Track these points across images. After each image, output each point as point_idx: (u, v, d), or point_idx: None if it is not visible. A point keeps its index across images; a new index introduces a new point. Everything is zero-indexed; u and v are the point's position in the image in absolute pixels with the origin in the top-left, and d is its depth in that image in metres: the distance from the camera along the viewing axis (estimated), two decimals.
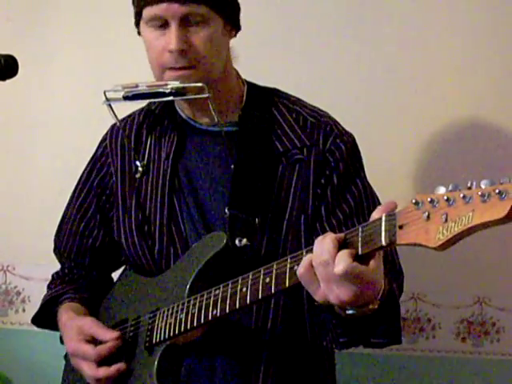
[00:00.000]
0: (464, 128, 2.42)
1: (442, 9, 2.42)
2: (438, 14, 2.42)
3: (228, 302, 1.55)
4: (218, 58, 1.74)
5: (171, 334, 1.65)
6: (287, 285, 1.43)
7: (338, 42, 2.46)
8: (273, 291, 1.46)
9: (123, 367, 1.71)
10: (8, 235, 2.58)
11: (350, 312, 1.42)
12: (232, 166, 1.75)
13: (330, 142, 1.76)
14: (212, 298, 1.59)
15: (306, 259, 1.37)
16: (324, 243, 1.35)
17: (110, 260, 1.96)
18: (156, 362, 1.66)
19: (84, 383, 1.79)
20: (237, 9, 1.79)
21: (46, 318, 1.94)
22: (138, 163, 1.84)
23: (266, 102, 1.82)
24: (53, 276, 2.00)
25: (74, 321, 1.80)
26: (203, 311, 1.60)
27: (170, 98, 1.71)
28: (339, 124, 1.81)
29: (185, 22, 1.68)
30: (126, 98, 1.75)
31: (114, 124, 1.92)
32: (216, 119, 1.72)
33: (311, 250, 1.38)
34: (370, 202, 1.76)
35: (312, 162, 1.75)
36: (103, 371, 1.71)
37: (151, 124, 1.88)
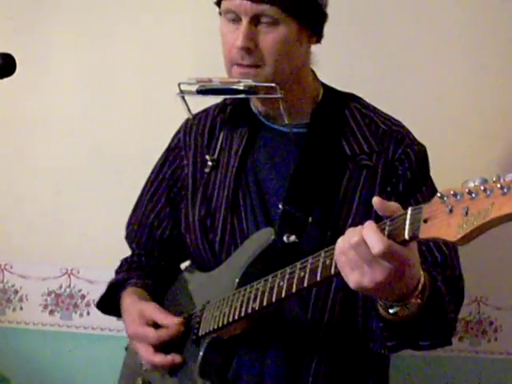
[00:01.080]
0: (467, 127, 2.43)
1: (442, 7, 2.43)
2: (438, 13, 2.43)
3: (266, 295, 1.56)
4: (287, 60, 1.73)
5: (215, 326, 1.66)
6: (318, 279, 1.44)
7: (337, 40, 2.46)
8: (305, 285, 1.47)
9: (178, 360, 1.72)
10: (5, 234, 2.58)
11: (393, 310, 1.42)
12: (292, 167, 1.76)
13: (400, 150, 1.76)
14: (253, 292, 1.60)
15: (337, 247, 1.37)
16: (354, 229, 1.35)
17: (178, 252, 1.95)
18: (201, 355, 1.67)
19: (138, 374, 1.83)
20: (318, 16, 1.76)
21: (110, 303, 1.95)
22: (207, 157, 1.85)
23: (339, 105, 1.82)
24: (121, 262, 2.02)
25: (136, 304, 1.81)
26: (244, 305, 1.61)
27: (242, 95, 1.72)
28: (411, 134, 1.81)
29: (256, 21, 1.69)
30: (199, 91, 1.75)
31: (189, 117, 1.91)
32: (285, 120, 1.73)
33: None
34: None
35: (379, 169, 1.74)
36: (159, 358, 1.73)
37: (225, 119, 1.88)
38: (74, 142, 2.52)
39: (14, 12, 2.57)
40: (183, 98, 1.78)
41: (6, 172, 2.59)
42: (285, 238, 1.70)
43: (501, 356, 2.45)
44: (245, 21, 1.69)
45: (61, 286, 2.54)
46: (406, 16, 2.44)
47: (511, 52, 2.42)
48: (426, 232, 1.24)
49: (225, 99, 1.90)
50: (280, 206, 1.73)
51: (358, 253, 1.33)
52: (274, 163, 1.80)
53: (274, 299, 1.55)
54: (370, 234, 1.31)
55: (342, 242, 1.36)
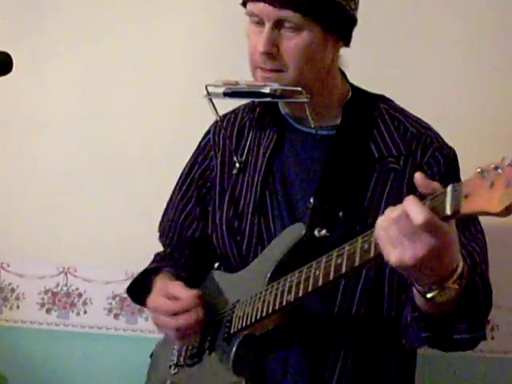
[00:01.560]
0: (466, 126, 2.43)
1: (442, 5, 2.43)
2: (438, 11, 2.43)
3: (301, 286, 1.56)
4: (310, 65, 1.71)
5: (248, 322, 1.66)
6: (357, 264, 1.43)
7: None
8: (343, 271, 1.46)
9: (201, 315, 1.71)
10: (3, 232, 2.58)
11: (431, 294, 1.39)
12: (318, 167, 1.75)
13: (428, 154, 1.75)
14: (287, 285, 1.60)
15: (377, 224, 1.36)
16: (393, 207, 1.35)
17: (207, 252, 1.94)
18: (233, 352, 1.67)
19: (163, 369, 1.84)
20: (344, 20, 1.74)
21: (140, 289, 1.93)
22: (235, 159, 1.85)
23: (368, 107, 1.81)
24: (155, 256, 2.02)
25: (163, 283, 1.81)
26: (278, 298, 1.61)
27: (268, 99, 1.71)
28: (441, 137, 1.79)
29: (279, 26, 1.68)
30: (225, 94, 1.74)
31: (221, 116, 1.91)
32: (312, 124, 1.73)
33: None
34: (466, 220, 1.72)
35: (407, 173, 1.73)
36: (182, 319, 1.71)
37: (253, 120, 1.88)
38: (71, 141, 2.52)
39: (11, 12, 2.57)
40: (211, 100, 1.77)
41: (3, 171, 2.58)
42: (316, 232, 1.69)
43: (498, 355, 2.45)
44: (267, 25, 1.68)
45: (58, 285, 2.54)
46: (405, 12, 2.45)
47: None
48: (467, 207, 1.24)
49: (253, 101, 1.89)
50: (311, 201, 1.72)
51: (399, 227, 1.32)
52: (301, 165, 1.79)
53: (310, 289, 1.54)
54: (411, 206, 1.31)
55: (381, 220, 1.36)
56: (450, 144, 1.79)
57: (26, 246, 2.54)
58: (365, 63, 2.42)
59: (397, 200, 1.63)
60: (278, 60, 1.69)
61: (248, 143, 1.87)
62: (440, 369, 2.45)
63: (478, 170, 1.23)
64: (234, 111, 1.94)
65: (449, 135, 1.81)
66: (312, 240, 1.69)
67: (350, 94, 1.83)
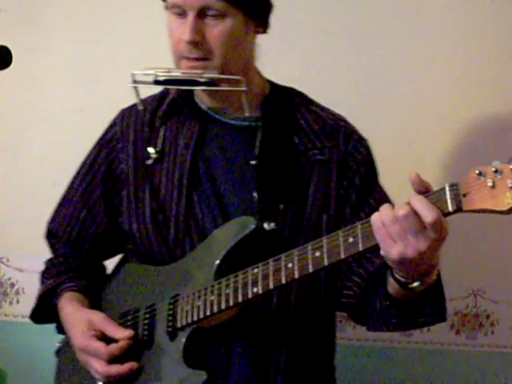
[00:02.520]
0: (465, 124, 2.43)
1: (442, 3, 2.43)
2: (437, 8, 2.43)
3: (272, 278, 1.57)
4: (235, 52, 1.74)
5: (200, 316, 1.66)
6: (343, 256, 1.49)
7: (335, 37, 2.46)
8: (326, 263, 1.51)
9: (135, 366, 1.71)
10: (2, 227, 2.58)
11: (415, 285, 1.49)
12: (253, 162, 1.76)
13: (350, 145, 1.81)
14: (250, 277, 1.60)
15: (376, 220, 1.43)
16: (389, 205, 1.42)
17: (109, 247, 1.94)
18: (183, 346, 1.66)
19: (85, 378, 1.78)
20: (264, 6, 1.78)
21: (43, 311, 1.90)
22: (150, 149, 1.83)
23: (286, 100, 1.84)
24: (47, 264, 1.97)
25: (82, 313, 1.79)
26: (241, 290, 1.61)
27: (203, 87, 1.72)
28: (356, 128, 1.85)
29: (202, 14, 1.69)
30: (156, 82, 1.74)
31: (125, 109, 1.92)
32: (247, 113, 1.74)
33: (366, 223, 1.46)
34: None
35: (333, 164, 1.79)
36: (116, 369, 1.71)
37: (167, 111, 1.86)
38: (70, 134, 2.52)
39: (8, 5, 2.57)
40: (136, 88, 1.77)
41: (2, 165, 2.58)
42: (266, 225, 1.71)
43: (497, 349, 2.46)
44: (191, 15, 1.69)
45: None
46: (404, 10, 2.45)
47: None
48: (469, 204, 1.36)
49: (164, 90, 1.88)
50: (255, 195, 1.74)
51: (405, 224, 1.39)
52: (225, 157, 1.80)
53: (283, 281, 1.56)
54: (422, 205, 1.38)
55: (380, 217, 1.42)
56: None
57: (25, 241, 2.54)
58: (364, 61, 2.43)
59: (325, 191, 1.76)
60: (203, 48, 1.70)
61: (162, 134, 1.85)
62: (439, 363, 2.46)
63: (477, 171, 1.35)
64: (141, 101, 1.87)
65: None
66: (262, 233, 1.70)
67: (268, 86, 1.86)
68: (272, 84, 1.87)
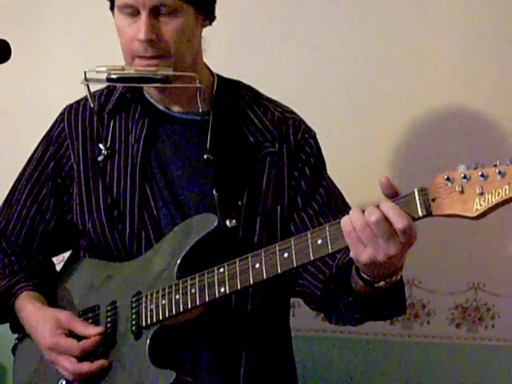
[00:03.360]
0: (455, 119, 2.42)
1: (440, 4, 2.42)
2: (435, 9, 2.42)
3: (239, 278, 1.58)
4: (189, 48, 1.75)
5: (166, 315, 1.65)
6: (312, 258, 1.51)
7: (329, 36, 2.46)
8: (295, 265, 1.53)
9: (105, 364, 1.70)
10: None
11: (380, 284, 1.51)
12: (205, 156, 1.76)
13: (299, 136, 1.83)
14: (217, 277, 1.60)
15: (346, 224, 1.45)
16: (368, 210, 1.43)
17: (59, 244, 1.93)
18: (147, 344, 1.65)
19: (44, 375, 1.78)
20: None
21: (0, 311, 1.88)
22: (101, 146, 1.82)
23: (234, 94, 1.85)
24: None
25: (47, 312, 1.78)
26: (207, 290, 1.61)
27: (158, 84, 1.72)
28: (303, 119, 1.88)
29: (155, 12, 1.69)
30: (109, 80, 1.74)
31: (71, 105, 1.91)
32: (201, 109, 1.75)
33: (334, 225, 1.47)
34: (337, 194, 1.85)
35: (284, 156, 1.80)
36: (87, 366, 1.70)
37: (115, 107, 1.86)
38: None
39: (8, 0, 2.57)
40: (87, 86, 1.77)
41: (1, 161, 2.58)
42: (228, 223, 1.71)
43: (498, 343, 2.46)
44: (144, 13, 1.69)
45: None
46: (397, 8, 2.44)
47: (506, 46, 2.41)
48: (438, 209, 1.38)
49: (110, 86, 1.87)
50: (214, 192, 1.74)
51: (376, 230, 1.41)
52: (177, 151, 1.80)
53: (251, 281, 1.57)
54: (394, 211, 1.41)
55: (351, 221, 1.44)
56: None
57: None
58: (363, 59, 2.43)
59: (278, 182, 1.78)
60: (158, 46, 1.70)
61: (111, 129, 1.84)
62: (440, 357, 2.46)
63: (445, 176, 1.37)
64: (86, 98, 1.88)
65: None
66: (224, 231, 1.70)
67: (216, 79, 1.86)
68: (219, 77, 1.87)
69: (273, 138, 1.81)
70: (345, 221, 1.45)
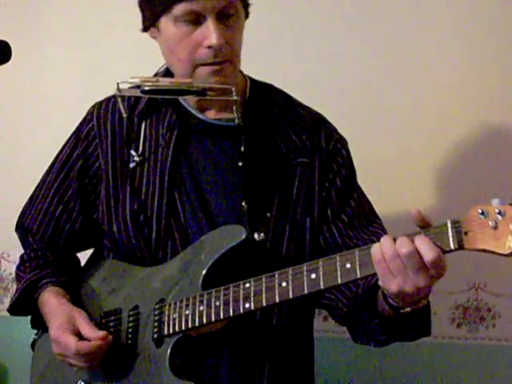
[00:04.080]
0: (467, 128, 2.42)
1: (441, 5, 2.42)
2: (435, 9, 2.42)
3: (265, 295, 1.56)
4: (240, 51, 1.74)
5: (188, 325, 1.63)
6: (340, 282, 1.49)
7: (332, 37, 2.46)
8: (322, 287, 1.51)
9: (105, 335, 1.69)
10: (2, 222, 2.57)
11: (406, 310, 1.51)
12: (240, 163, 1.74)
13: (331, 146, 1.80)
14: (242, 292, 1.58)
15: (377, 252, 1.44)
16: (400, 241, 1.42)
17: (84, 242, 1.92)
18: (168, 354, 1.64)
19: (62, 371, 1.78)
20: None
21: (22, 303, 1.88)
22: (133, 152, 1.80)
23: (267, 100, 1.81)
24: (23, 258, 1.94)
25: (66, 308, 1.77)
26: (232, 304, 1.59)
27: (193, 96, 1.70)
28: (335, 127, 1.85)
29: (220, 16, 1.66)
30: (144, 91, 1.70)
31: (100, 103, 1.88)
32: (237, 121, 1.72)
33: (364, 250, 1.47)
34: (367, 205, 1.83)
35: (316, 166, 1.77)
36: (87, 345, 1.68)
37: (146, 109, 1.82)
38: (70, 128, 2.51)
39: (8, 0, 2.57)
40: (120, 97, 1.75)
41: (1, 159, 2.58)
42: (256, 236, 1.70)
43: (499, 343, 2.46)
44: (212, 18, 1.65)
45: None
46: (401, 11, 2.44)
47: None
48: (470, 243, 1.38)
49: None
50: (244, 204, 1.71)
51: (407, 261, 1.40)
52: (208, 157, 1.77)
53: (277, 299, 1.55)
54: (425, 245, 1.40)
55: (381, 250, 1.43)
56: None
57: None
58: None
59: (309, 193, 1.75)
60: (224, 52, 1.67)
61: (142, 133, 1.80)
62: (441, 356, 2.46)
63: (479, 210, 1.37)
64: (113, 97, 1.85)
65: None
66: (252, 244, 1.69)
67: (249, 83, 1.82)
68: (251, 81, 1.84)
69: (304, 147, 1.78)
70: (375, 249, 1.44)
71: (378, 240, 1.70)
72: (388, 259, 1.42)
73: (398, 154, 2.43)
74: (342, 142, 1.82)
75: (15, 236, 2.57)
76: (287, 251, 1.72)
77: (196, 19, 1.66)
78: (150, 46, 2.49)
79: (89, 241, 1.91)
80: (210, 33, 1.65)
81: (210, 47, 1.66)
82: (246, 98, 1.80)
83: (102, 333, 1.70)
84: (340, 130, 1.86)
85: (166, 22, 1.70)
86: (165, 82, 1.70)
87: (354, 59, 2.44)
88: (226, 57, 1.68)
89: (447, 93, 2.42)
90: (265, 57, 2.40)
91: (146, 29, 1.77)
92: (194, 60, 1.69)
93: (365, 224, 1.77)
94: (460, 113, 2.41)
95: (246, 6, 1.73)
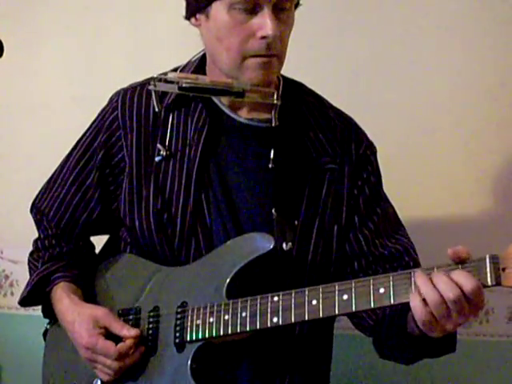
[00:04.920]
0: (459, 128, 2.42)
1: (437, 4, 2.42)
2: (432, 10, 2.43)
3: (293, 312, 1.53)
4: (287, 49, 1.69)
5: (212, 333, 1.61)
6: (372, 305, 1.46)
7: (329, 36, 2.46)
8: (353, 309, 1.49)
9: (142, 349, 1.67)
10: None
11: (434, 335, 1.47)
12: (270, 166, 1.70)
13: (361, 152, 1.77)
14: (270, 305, 1.55)
15: (417, 300, 1.41)
16: (445, 285, 1.39)
17: (99, 231, 1.89)
18: (190, 360, 1.61)
19: (82, 369, 1.75)
20: None
21: (34, 296, 1.84)
22: (160, 146, 1.74)
23: (298, 100, 1.77)
24: (37, 244, 1.89)
25: (84, 309, 1.73)
26: (259, 317, 1.56)
27: (232, 96, 1.65)
28: (365, 133, 1.82)
29: (276, 8, 1.61)
30: (180, 88, 1.64)
31: (126, 90, 1.81)
32: (274, 123, 1.67)
33: (397, 276, 1.44)
34: (392, 213, 1.80)
35: (345, 173, 1.74)
36: (129, 360, 1.66)
37: (175, 103, 1.76)
38: (64, 125, 2.51)
39: None
40: (155, 92, 1.69)
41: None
42: (284, 245, 1.66)
43: (492, 338, 2.46)
44: (269, 9, 1.60)
45: None
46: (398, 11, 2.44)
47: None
48: (507, 280, 1.37)
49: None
50: (273, 212, 1.67)
51: (453, 306, 1.38)
52: (237, 158, 1.72)
53: (306, 317, 1.52)
54: (466, 279, 1.38)
55: (420, 297, 1.40)
56: None
57: (19, 233, 2.53)
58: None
59: (337, 200, 1.71)
60: (275, 45, 1.62)
61: (169, 127, 1.75)
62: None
63: None
64: (142, 85, 1.79)
65: None
66: (280, 253, 1.65)
67: (281, 82, 1.77)
68: (284, 79, 1.78)
69: (334, 153, 1.74)
70: (414, 297, 1.41)
71: (403, 248, 1.73)
72: (433, 306, 1.39)
73: (398, 153, 2.42)
74: (371, 149, 1.79)
75: (8, 233, 2.59)
76: (313, 259, 1.69)
77: (252, 8, 1.61)
78: (144, 45, 2.51)
79: (105, 229, 1.87)
80: (266, 23, 1.59)
81: (263, 38, 1.60)
82: (279, 97, 1.71)
83: (135, 331, 1.67)
84: None
85: (218, 8, 1.63)
86: (204, 80, 1.65)
87: (354, 58, 2.44)
88: (277, 51, 1.63)
89: (448, 92, 2.42)
90: None
91: (191, 15, 1.70)
92: (245, 50, 1.63)
93: (390, 233, 1.75)
94: (460, 112, 2.41)
95: (297, 4, 1.68)
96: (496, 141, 2.40)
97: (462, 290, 1.37)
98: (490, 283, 1.38)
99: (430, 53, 2.42)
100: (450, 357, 2.44)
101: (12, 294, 2.59)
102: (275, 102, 1.64)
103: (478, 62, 2.40)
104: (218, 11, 1.63)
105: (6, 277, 2.62)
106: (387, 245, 1.74)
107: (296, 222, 1.68)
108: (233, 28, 1.62)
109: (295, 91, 1.78)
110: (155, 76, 1.66)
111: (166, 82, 1.66)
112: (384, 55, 2.43)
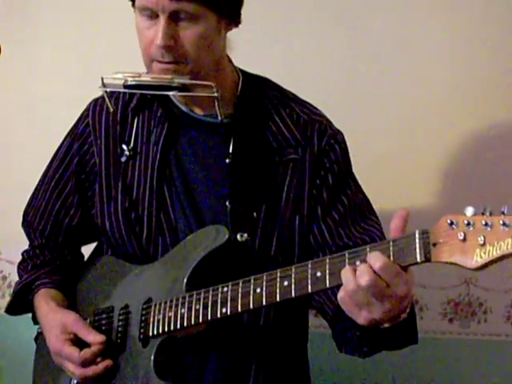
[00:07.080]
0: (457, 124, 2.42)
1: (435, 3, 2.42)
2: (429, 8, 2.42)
3: (240, 301, 1.54)
4: (209, 54, 1.69)
5: (171, 327, 1.63)
6: (310, 290, 1.45)
7: (327, 34, 2.46)
8: (293, 295, 1.48)
9: (110, 364, 1.70)
10: None
11: (386, 325, 1.44)
12: (227, 161, 1.73)
13: (324, 142, 1.75)
14: (220, 296, 1.57)
15: (340, 292, 1.39)
16: (359, 271, 1.36)
17: (83, 238, 1.94)
18: (153, 356, 1.64)
19: (62, 372, 1.77)
20: (235, 3, 1.72)
21: (19, 305, 1.91)
22: (124, 147, 1.81)
23: (259, 94, 1.79)
24: (23, 256, 1.96)
25: (56, 314, 1.78)
26: (210, 308, 1.58)
27: (174, 92, 1.67)
28: (331, 122, 1.81)
29: (175, 17, 1.63)
30: (126, 86, 1.69)
31: (96, 100, 1.88)
32: (220, 117, 1.69)
33: (335, 258, 1.41)
34: (362, 202, 1.78)
35: (307, 163, 1.74)
36: (92, 370, 1.69)
37: (138, 105, 1.83)
38: (59, 128, 2.50)
39: None
40: (106, 92, 1.73)
41: None
42: (238, 237, 1.68)
43: (490, 337, 2.46)
44: (163, 18, 1.63)
45: None
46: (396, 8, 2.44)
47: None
48: (437, 256, 1.30)
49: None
50: (227, 204, 1.70)
51: (368, 292, 1.35)
52: (197, 154, 1.77)
53: (251, 306, 1.53)
54: (375, 259, 1.34)
55: (345, 285, 1.37)
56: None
57: (17, 234, 2.52)
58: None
59: (298, 191, 1.71)
60: (175, 52, 1.65)
61: (134, 128, 1.81)
62: (432, 352, 2.46)
63: (448, 220, 1.29)
64: (112, 93, 1.83)
65: None
66: (235, 245, 1.67)
67: (241, 79, 1.80)
68: (245, 76, 1.81)
69: (296, 143, 1.74)
70: (341, 292, 1.39)
71: (370, 239, 1.69)
72: (349, 294, 1.37)
73: (398, 151, 2.42)
74: (336, 138, 1.78)
75: (6, 234, 2.59)
76: (276, 251, 1.70)
77: (152, 15, 1.65)
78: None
79: (90, 235, 1.92)
80: (158, 32, 1.63)
81: (158, 46, 1.64)
82: (238, 93, 1.77)
83: (100, 337, 1.70)
84: (340, 127, 1.83)
85: (136, 11, 1.70)
86: (146, 77, 1.69)
87: (354, 57, 2.44)
88: (177, 58, 1.65)
89: (448, 90, 2.42)
90: (257, 55, 2.39)
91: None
92: (149, 55, 1.68)
93: (358, 222, 1.73)
94: (460, 111, 2.41)
95: (221, 12, 1.67)
96: (492, 139, 2.40)
97: (373, 271, 1.34)
98: (419, 259, 1.32)
99: (425, 52, 2.42)
100: (448, 356, 2.46)
101: (10, 295, 2.58)
102: (215, 94, 1.66)
103: (475, 62, 2.40)
104: (136, 14, 1.70)
105: (4, 278, 2.62)
106: (354, 235, 1.72)
107: (255, 214, 1.70)
108: (140, 32, 1.69)
109: (257, 86, 1.80)
110: (103, 76, 1.71)
111: (117, 82, 1.72)
112: (381, 55, 2.43)
